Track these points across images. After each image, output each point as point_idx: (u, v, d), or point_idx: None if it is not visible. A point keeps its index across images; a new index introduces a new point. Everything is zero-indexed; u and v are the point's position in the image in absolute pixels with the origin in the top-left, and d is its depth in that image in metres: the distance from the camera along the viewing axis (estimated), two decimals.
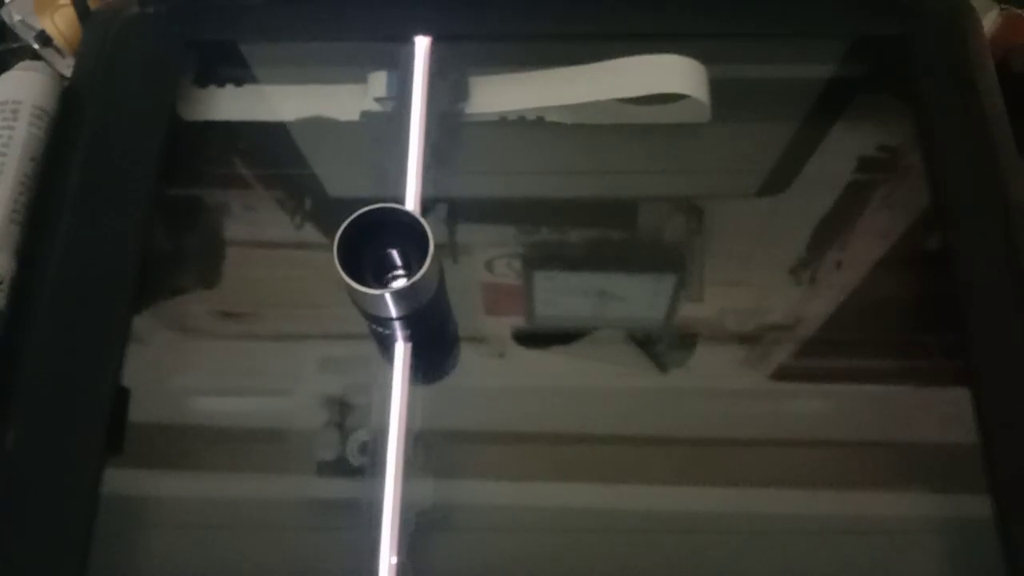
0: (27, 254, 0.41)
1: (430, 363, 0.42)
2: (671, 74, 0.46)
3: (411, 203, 0.43)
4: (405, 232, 0.38)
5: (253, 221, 0.47)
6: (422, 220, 0.37)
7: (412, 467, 0.39)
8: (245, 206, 0.47)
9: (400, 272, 0.40)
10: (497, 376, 0.43)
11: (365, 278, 0.37)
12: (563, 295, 0.44)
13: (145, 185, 0.43)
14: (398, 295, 0.37)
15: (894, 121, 0.46)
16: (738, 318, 0.43)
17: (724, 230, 0.46)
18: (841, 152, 0.47)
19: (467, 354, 0.43)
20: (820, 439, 0.40)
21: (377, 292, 0.36)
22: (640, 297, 0.44)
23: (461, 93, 0.47)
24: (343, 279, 0.36)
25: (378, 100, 0.47)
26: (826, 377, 0.43)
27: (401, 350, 0.41)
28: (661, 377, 0.42)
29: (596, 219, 0.46)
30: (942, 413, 0.40)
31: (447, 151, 0.46)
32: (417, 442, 0.39)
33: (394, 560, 0.37)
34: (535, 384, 0.42)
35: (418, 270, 0.36)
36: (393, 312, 0.38)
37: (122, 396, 0.39)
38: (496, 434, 0.41)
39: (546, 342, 0.43)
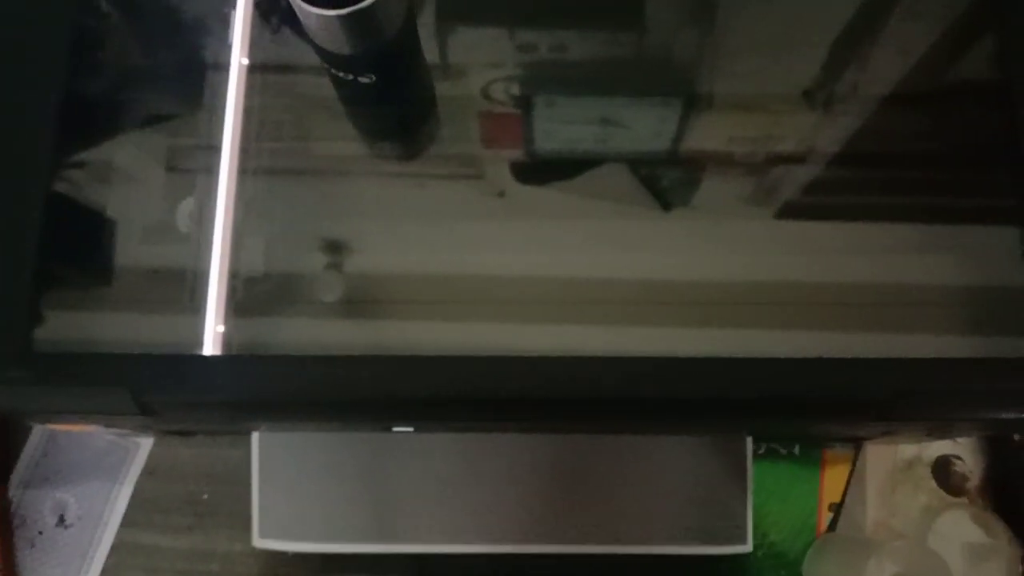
0: None
1: (401, 124, 0.39)
2: None
3: None
4: None
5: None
6: None
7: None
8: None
9: None
10: (496, 216, 0.40)
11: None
12: (564, 123, 0.41)
13: None
14: (353, 18, 0.32)
15: None
16: (747, 147, 0.40)
17: (734, 45, 0.42)
18: None
19: (464, 191, 0.41)
20: (830, 281, 0.39)
21: (329, 13, 0.31)
22: (645, 125, 0.41)
23: None
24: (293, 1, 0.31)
25: None
26: (837, 215, 0.40)
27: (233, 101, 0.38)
28: (665, 214, 0.40)
29: (599, 28, 0.42)
30: (976, 254, 0.39)
31: None
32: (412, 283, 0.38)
33: (220, 329, 0.36)
34: (535, 223, 0.40)
35: None
36: (351, 45, 0.33)
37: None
38: (490, 277, 0.40)
39: (546, 177, 0.41)
